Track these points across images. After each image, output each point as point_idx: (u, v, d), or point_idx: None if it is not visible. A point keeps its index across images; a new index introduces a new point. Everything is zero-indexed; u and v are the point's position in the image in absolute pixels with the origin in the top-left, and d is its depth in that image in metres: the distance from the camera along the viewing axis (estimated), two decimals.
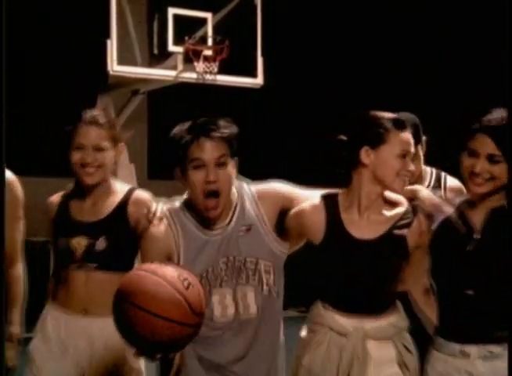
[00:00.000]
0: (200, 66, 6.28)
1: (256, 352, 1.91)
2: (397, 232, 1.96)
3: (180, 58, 6.40)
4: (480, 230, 1.87)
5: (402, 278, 2.04)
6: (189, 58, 6.33)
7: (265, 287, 1.89)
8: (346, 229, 1.97)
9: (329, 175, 9.28)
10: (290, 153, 9.38)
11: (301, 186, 9.55)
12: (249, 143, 10.02)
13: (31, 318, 7.54)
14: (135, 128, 8.23)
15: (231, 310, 1.85)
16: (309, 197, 2.08)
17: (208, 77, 6.30)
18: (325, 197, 2.13)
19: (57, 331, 2.14)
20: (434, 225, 2.03)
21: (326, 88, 9.43)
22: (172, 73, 6.48)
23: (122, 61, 6.31)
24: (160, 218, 1.88)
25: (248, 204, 1.95)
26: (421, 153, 2.62)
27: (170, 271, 1.60)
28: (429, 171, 2.76)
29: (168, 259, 1.84)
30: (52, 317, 2.18)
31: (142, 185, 8.24)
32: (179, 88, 6.92)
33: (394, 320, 2.04)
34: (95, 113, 2.24)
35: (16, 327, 2.20)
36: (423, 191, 2.07)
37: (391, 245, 1.96)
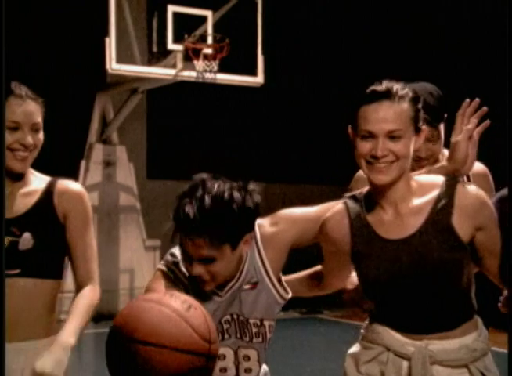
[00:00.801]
0: (199, 64, 6.23)
1: None
2: (437, 218, 1.55)
3: (180, 56, 6.34)
4: None
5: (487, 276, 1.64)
6: (189, 56, 6.28)
7: (267, 345, 1.73)
8: (375, 232, 1.61)
9: (328, 175, 9.18)
10: (291, 153, 9.34)
11: (302, 185, 9.43)
12: (248, 142, 9.97)
13: None
14: (133, 128, 8.19)
15: (231, 372, 1.70)
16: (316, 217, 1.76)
17: (208, 75, 6.25)
18: (346, 199, 1.75)
19: None
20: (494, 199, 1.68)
21: (327, 87, 9.39)
22: (172, 71, 6.43)
23: (121, 59, 6.25)
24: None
25: (255, 255, 1.66)
26: (442, 134, 2.10)
27: (161, 294, 1.36)
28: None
29: None
30: None
31: (141, 184, 8.23)
32: (179, 87, 6.87)
33: (470, 341, 1.63)
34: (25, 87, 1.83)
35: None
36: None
37: (435, 237, 1.54)
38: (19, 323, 1.74)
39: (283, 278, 1.77)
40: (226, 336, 1.67)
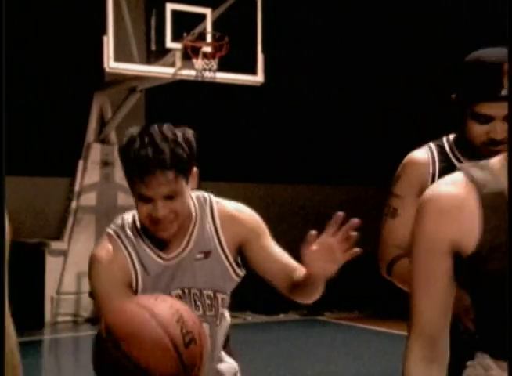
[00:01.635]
0: (198, 63, 6.16)
1: None
2: None
3: (178, 55, 6.27)
4: None
5: None
6: (188, 55, 6.21)
7: (218, 321, 1.69)
8: None
9: (328, 175, 9.08)
10: (290, 152, 9.29)
11: (301, 185, 9.35)
12: (248, 142, 9.91)
13: (25, 320, 7.34)
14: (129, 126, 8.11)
15: None
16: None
17: (207, 74, 6.18)
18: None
19: None
20: None
21: (327, 86, 9.35)
22: (170, 70, 6.36)
23: (119, 58, 6.18)
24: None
25: (208, 226, 1.67)
26: None
27: (170, 315, 1.25)
28: None
29: (129, 288, 1.60)
30: None
31: None
32: (178, 86, 6.80)
33: None
34: None
35: None
36: None
37: None
38: None
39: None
40: None
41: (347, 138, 9.69)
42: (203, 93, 7.49)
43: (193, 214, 1.66)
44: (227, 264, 1.68)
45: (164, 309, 1.27)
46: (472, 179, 1.13)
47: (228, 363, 1.76)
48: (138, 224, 1.65)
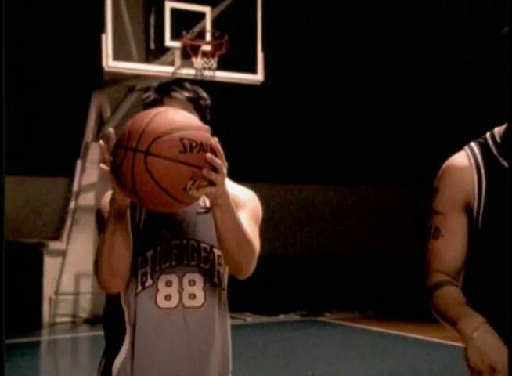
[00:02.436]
0: (198, 61, 6.13)
1: (194, 348, 1.68)
2: None
3: (178, 53, 6.25)
4: None
5: None
6: (187, 53, 6.18)
7: (215, 278, 1.70)
8: None
9: (328, 175, 9.01)
10: (290, 151, 9.28)
11: (301, 185, 9.28)
12: (248, 141, 9.88)
13: (23, 321, 7.27)
14: None
15: (175, 300, 1.68)
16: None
17: (207, 73, 6.15)
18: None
19: None
20: None
21: (327, 85, 9.33)
22: (169, 69, 6.32)
23: (118, 56, 6.15)
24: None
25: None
26: None
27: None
28: None
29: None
30: None
31: None
32: None
33: None
34: None
35: None
36: None
37: None
38: None
39: None
40: (174, 262, 1.68)
41: (347, 137, 9.68)
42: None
43: None
44: None
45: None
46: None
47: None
48: None
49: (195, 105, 1.75)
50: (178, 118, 1.45)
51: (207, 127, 1.53)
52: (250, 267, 1.65)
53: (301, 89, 9.19)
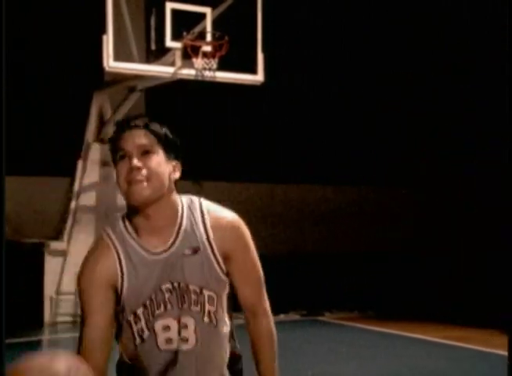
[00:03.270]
0: (198, 62, 6.14)
1: None
2: None
3: (178, 54, 6.26)
4: None
5: None
6: (188, 54, 6.19)
7: (205, 318, 1.72)
8: None
9: (328, 175, 9.00)
10: (290, 151, 9.29)
11: (301, 185, 9.27)
12: (248, 141, 9.88)
13: (24, 320, 7.27)
14: None
15: (175, 343, 1.71)
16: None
17: (207, 73, 6.17)
18: None
19: None
20: None
21: (327, 85, 9.34)
22: (170, 69, 6.34)
23: (118, 57, 6.16)
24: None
25: (198, 223, 1.72)
26: None
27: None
28: None
29: (112, 289, 1.68)
30: None
31: None
32: (178, 85, 6.79)
33: None
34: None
35: None
36: None
37: None
38: None
39: None
40: (169, 306, 1.69)
41: (347, 137, 9.69)
42: (202, 92, 7.48)
43: (180, 209, 1.72)
44: (214, 262, 1.71)
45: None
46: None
47: None
48: (127, 223, 1.73)
49: (157, 137, 1.72)
50: None
51: None
52: None
53: (301, 89, 9.20)
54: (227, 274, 1.74)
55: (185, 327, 1.69)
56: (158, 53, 6.42)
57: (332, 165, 9.46)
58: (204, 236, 1.71)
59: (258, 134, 8.92)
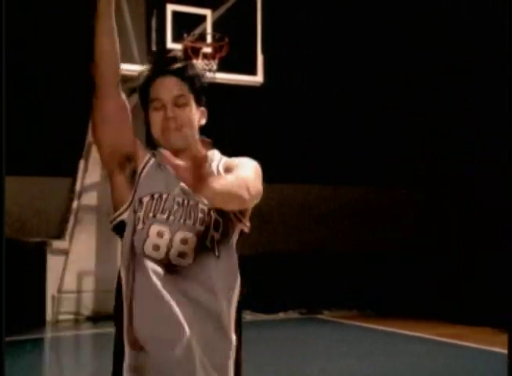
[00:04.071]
0: (199, 63, 6.20)
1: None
2: None
3: (179, 55, 6.31)
4: None
5: None
6: (188, 55, 6.24)
7: (207, 241, 1.67)
8: None
9: (328, 175, 9.05)
10: (290, 152, 9.31)
11: (301, 185, 9.32)
12: (248, 142, 9.95)
13: (26, 319, 7.34)
14: (133, 127, 8.14)
15: (161, 253, 1.66)
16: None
17: (207, 74, 6.21)
18: None
19: None
20: None
21: (326, 86, 9.37)
22: None
23: (120, 58, 6.21)
24: None
25: (212, 168, 1.82)
26: None
27: None
28: None
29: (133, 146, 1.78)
30: None
31: None
32: None
33: None
34: None
35: None
36: None
37: None
38: None
39: None
40: (171, 217, 1.69)
41: (347, 137, 9.70)
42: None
43: (207, 154, 1.79)
44: None
45: None
46: None
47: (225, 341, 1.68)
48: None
49: (189, 84, 1.76)
50: None
51: None
52: (244, 205, 1.68)
53: (301, 89, 9.22)
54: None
55: (185, 242, 1.66)
56: None
57: (332, 165, 9.47)
58: (216, 167, 1.82)
59: (258, 134, 8.95)
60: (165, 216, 1.69)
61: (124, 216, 1.71)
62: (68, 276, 7.32)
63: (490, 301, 7.17)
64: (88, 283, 7.29)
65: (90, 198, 7.51)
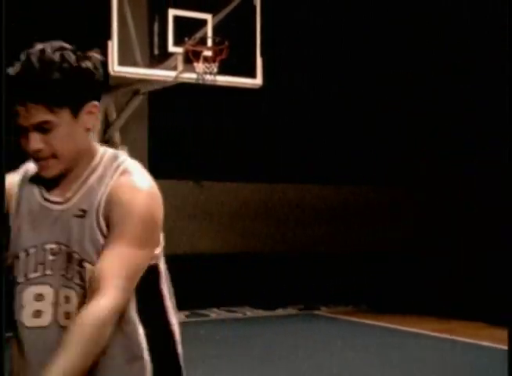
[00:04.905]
0: (199, 66, 6.31)
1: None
2: None
3: (180, 59, 6.42)
4: None
5: None
6: (189, 59, 6.35)
7: (84, 298, 1.36)
8: None
9: (328, 175, 9.19)
10: (290, 153, 9.37)
11: (302, 185, 9.42)
12: (248, 143, 10.01)
13: None
14: (135, 128, 8.27)
15: (47, 317, 1.39)
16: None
17: (208, 77, 6.33)
18: None
19: None
20: None
21: (326, 89, 9.42)
22: (172, 73, 6.51)
23: (123, 62, 6.34)
24: None
25: (104, 183, 1.41)
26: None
27: None
28: None
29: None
30: None
31: None
32: (179, 89, 6.96)
33: None
34: None
35: None
36: None
37: None
38: None
39: None
40: (49, 271, 1.40)
41: (347, 138, 9.74)
42: (203, 96, 7.63)
43: (96, 160, 1.44)
44: (97, 230, 1.38)
45: None
46: None
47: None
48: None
49: (53, 100, 1.34)
50: None
51: None
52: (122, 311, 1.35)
53: (301, 89, 9.25)
54: None
55: (67, 300, 1.38)
56: (161, 58, 6.59)
57: (332, 165, 9.50)
58: (99, 197, 1.39)
59: (258, 134, 9.02)
60: (40, 273, 1.40)
61: None
62: None
63: (490, 301, 7.20)
64: None
65: None
